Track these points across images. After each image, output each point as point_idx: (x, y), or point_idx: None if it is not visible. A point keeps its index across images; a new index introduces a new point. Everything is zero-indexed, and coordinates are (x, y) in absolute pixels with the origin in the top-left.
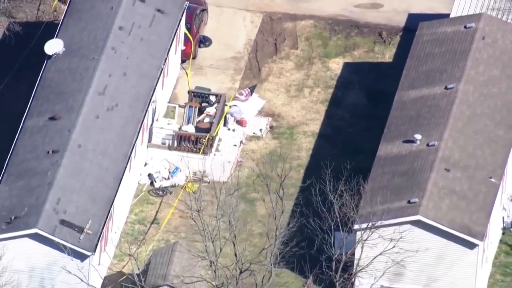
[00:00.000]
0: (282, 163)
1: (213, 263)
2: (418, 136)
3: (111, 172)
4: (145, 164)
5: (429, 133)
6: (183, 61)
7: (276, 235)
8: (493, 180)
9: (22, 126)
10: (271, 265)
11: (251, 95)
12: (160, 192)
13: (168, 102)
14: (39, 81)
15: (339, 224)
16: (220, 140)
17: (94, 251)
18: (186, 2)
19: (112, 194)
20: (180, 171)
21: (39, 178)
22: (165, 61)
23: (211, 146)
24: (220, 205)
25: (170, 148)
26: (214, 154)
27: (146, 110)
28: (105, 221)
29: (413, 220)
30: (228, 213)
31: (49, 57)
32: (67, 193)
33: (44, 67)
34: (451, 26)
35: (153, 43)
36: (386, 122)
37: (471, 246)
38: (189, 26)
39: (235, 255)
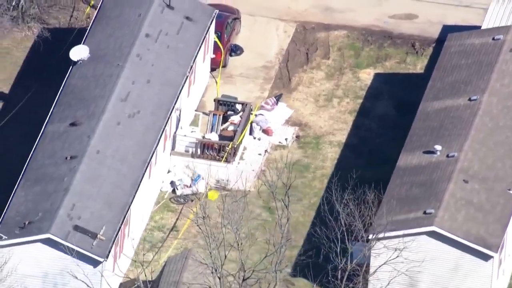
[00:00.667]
0: (289, 172)
1: (217, 270)
2: (438, 147)
3: (129, 179)
4: (168, 172)
5: (450, 144)
6: (213, 69)
7: (281, 243)
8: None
9: (42, 132)
10: (275, 272)
11: (276, 104)
12: (181, 200)
13: (196, 110)
14: (63, 87)
15: (345, 234)
16: (245, 148)
17: (107, 257)
18: (216, 11)
19: (129, 201)
20: (203, 179)
21: (56, 183)
22: (191, 69)
23: (234, 154)
24: (230, 213)
25: (193, 156)
26: (238, 163)
27: (169, 118)
28: (120, 228)
29: (428, 231)
30: (233, 219)
31: (75, 63)
32: (83, 199)
33: (69, 73)
34: (479, 37)
35: (179, 51)
36: (408, 133)
37: (486, 257)
38: (219, 34)
39: (241, 262)
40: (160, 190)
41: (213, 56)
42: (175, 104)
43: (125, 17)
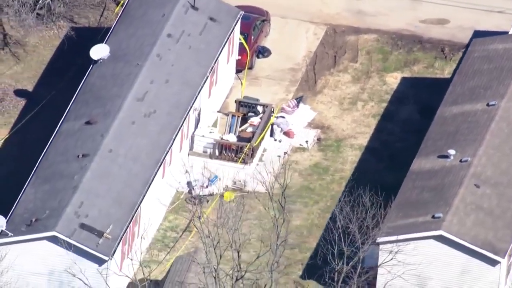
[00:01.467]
0: (285, 173)
1: (211, 270)
2: (452, 152)
3: (140, 178)
4: (186, 172)
5: (464, 149)
6: (239, 71)
7: (276, 243)
8: None
9: (57, 130)
10: (270, 272)
11: (297, 106)
12: (196, 201)
13: (218, 111)
14: (81, 85)
15: (341, 237)
16: (265, 150)
17: (112, 256)
18: (241, 12)
19: (138, 200)
20: (219, 180)
21: (66, 181)
22: (211, 70)
23: (252, 156)
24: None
25: (211, 156)
26: (257, 164)
27: (185, 118)
28: (127, 227)
29: (435, 235)
30: (231, 220)
31: (95, 62)
32: (91, 197)
33: (89, 72)
34: (502, 43)
35: (201, 52)
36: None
37: (493, 263)
38: (246, 36)
39: (237, 262)
40: (176, 190)
41: (239, 57)
42: (193, 104)
43: (149, 17)
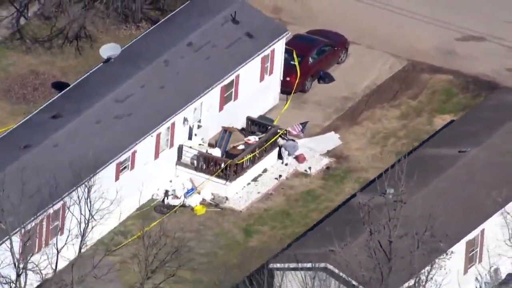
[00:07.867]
0: None
1: None
2: (390, 190)
3: (72, 176)
4: (170, 181)
5: (409, 190)
6: (289, 92)
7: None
8: (442, 244)
9: (26, 120)
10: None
11: (302, 132)
12: (165, 210)
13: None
14: (76, 81)
15: None
16: (265, 171)
17: None
18: (287, 32)
19: (58, 197)
20: (198, 193)
21: None
22: (220, 83)
23: (236, 173)
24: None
25: (196, 168)
26: (249, 183)
27: (162, 125)
28: (30, 222)
29: (322, 267)
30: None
31: (106, 60)
32: (5, 188)
33: (94, 70)
34: None
35: (218, 65)
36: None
37: None
38: (302, 58)
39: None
40: (151, 197)
41: (287, 79)
42: (179, 113)
43: (186, 24)
